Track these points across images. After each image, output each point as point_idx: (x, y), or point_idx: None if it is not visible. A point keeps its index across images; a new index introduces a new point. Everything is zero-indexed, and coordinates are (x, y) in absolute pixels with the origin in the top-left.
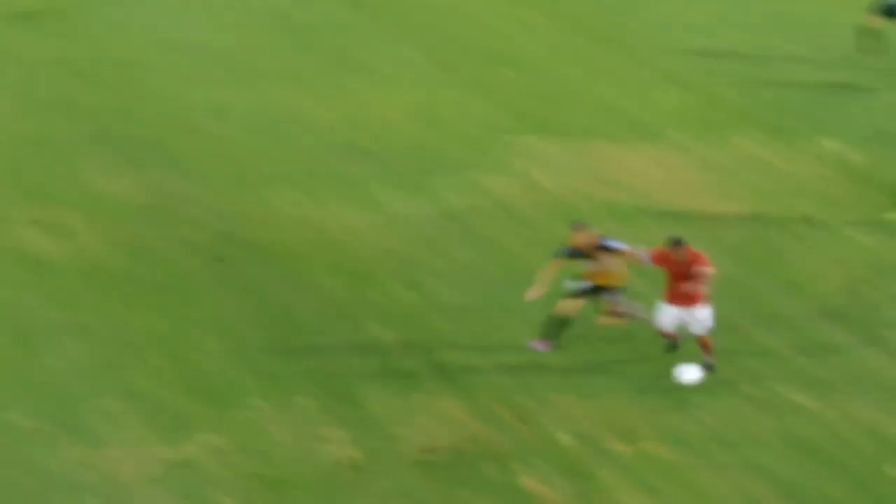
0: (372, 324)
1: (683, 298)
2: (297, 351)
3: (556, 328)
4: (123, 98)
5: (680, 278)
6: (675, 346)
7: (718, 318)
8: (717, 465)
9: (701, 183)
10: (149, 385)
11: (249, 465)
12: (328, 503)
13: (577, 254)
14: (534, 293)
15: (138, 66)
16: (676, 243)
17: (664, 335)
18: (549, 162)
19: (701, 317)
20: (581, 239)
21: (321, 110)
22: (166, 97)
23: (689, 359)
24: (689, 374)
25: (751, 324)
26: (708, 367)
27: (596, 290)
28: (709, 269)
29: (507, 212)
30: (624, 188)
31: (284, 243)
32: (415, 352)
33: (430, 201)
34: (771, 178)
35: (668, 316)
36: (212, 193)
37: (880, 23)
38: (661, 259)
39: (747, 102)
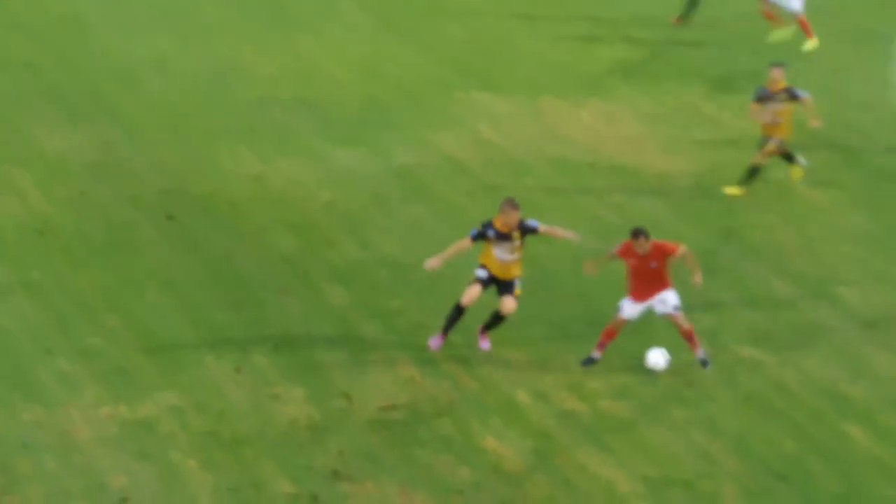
0: (322, 281)
1: (646, 292)
2: (248, 309)
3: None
4: (66, 54)
5: (640, 273)
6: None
7: (677, 280)
8: (673, 422)
9: (649, 138)
10: (102, 344)
11: (207, 425)
12: (286, 462)
13: (490, 235)
14: (432, 263)
15: (79, 21)
16: (636, 234)
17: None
18: (498, 118)
19: (667, 298)
20: (511, 218)
21: (263, 64)
22: (108, 52)
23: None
24: (658, 360)
25: (704, 280)
26: (702, 363)
27: (492, 282)
28: (683, 249)
29: (456, 167)
30: (573, 144)
31: (230, 199)
32: (366, 310)
33: (377, 157)
34: (719, 133)
35: (631, 310)
36: (156, 149)
37: None
38: (625, 252)
39: (693, 58)
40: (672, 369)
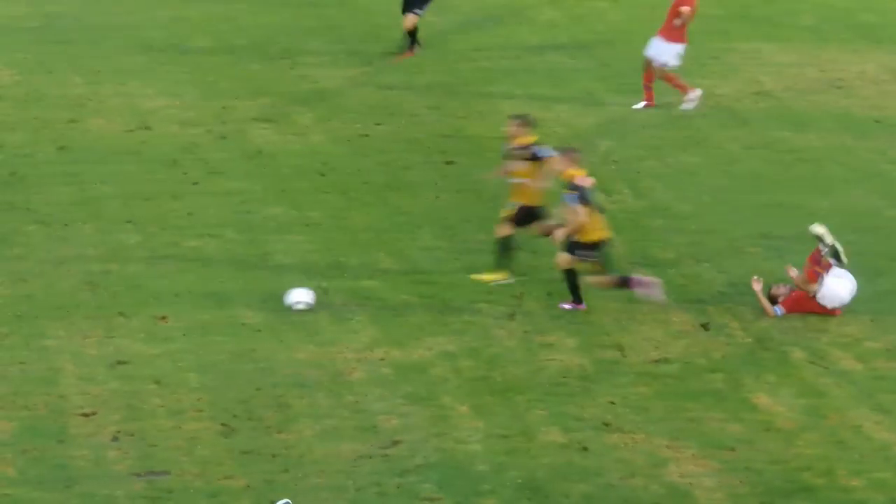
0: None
1: None
2: (523, 255)
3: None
4: None
5: None
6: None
7: None
8: None
9: None
10: (376, 285)
11: (478, 370)
12: (556, 411)
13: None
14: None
15: None
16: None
17: None
18: (779, 68)
19: None
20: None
21: (543, 8)
22: None
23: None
24: (299, 298)
25: None
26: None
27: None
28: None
29: (734, 118)
30: (857, 97)
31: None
32: (640, 260)
33: (654, 105)
34: None
35: None
36: (434, 91)
37: None
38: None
39: None
40: None
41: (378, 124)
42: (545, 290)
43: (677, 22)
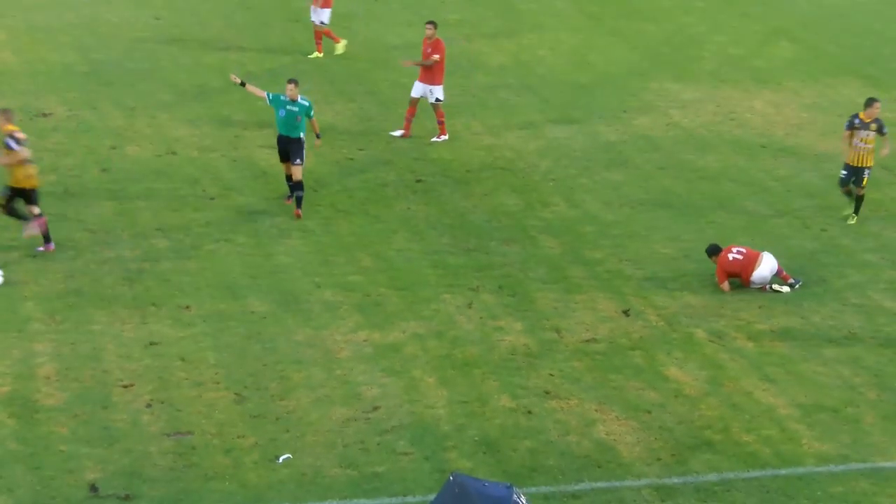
0: (538, 234)
1: None
2: (478, 255)
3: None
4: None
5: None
6: None
7: (831, 243)
8: (825, 359)
9: (810, 123)
10: (359, 280)
11: (443, 349)
12: (506, 381)
13: None
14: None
15: (350, 17)
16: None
17: None
18: (685, 104)
19: None
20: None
21: (494, 54)
22: (369, 41)
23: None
24: None
25: (854, 244)
26: None
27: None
28: None
29: (649, 143)
30: (747, 126)
31: (466, 165)
32: (574, 258)
33: (585, 133)
34: None
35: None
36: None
37: None
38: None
39: (848, 55)
40: (824, 314)
41: (360, 149)
42: (497, 284)
43: (432, 63)
